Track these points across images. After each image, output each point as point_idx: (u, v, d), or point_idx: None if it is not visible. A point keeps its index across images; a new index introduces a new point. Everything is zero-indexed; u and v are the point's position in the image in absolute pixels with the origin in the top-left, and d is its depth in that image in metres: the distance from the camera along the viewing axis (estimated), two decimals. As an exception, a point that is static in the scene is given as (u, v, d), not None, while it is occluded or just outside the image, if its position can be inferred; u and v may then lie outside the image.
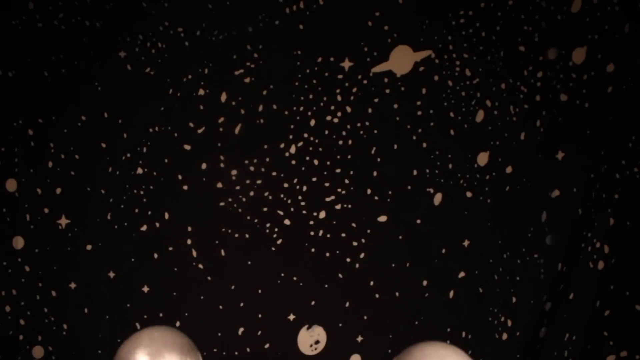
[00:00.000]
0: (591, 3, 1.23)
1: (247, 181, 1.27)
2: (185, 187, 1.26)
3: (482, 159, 1.31)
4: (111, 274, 1.30)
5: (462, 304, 1.36)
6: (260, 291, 1.32)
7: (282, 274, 1.32)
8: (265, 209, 1.28)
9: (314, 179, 1.28)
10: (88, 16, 1.20)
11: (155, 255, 1.29)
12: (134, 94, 1.25)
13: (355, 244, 1.31)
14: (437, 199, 1.31)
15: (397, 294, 1.34)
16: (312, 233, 1.30)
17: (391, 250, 1.32)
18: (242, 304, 1.32)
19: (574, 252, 1.32)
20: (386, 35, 1.22)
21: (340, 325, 1.34)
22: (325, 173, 1.28)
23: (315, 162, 1.28)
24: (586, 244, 1.30)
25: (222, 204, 1.28)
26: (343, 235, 1.31)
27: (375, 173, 1.29)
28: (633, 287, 1.29)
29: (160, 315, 1.31)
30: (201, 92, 1.23)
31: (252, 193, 1.28)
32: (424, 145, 1.29)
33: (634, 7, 1.22)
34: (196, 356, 0.85)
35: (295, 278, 1.32)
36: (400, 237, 1.32)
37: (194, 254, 1.29)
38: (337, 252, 1.32)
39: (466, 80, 1.27)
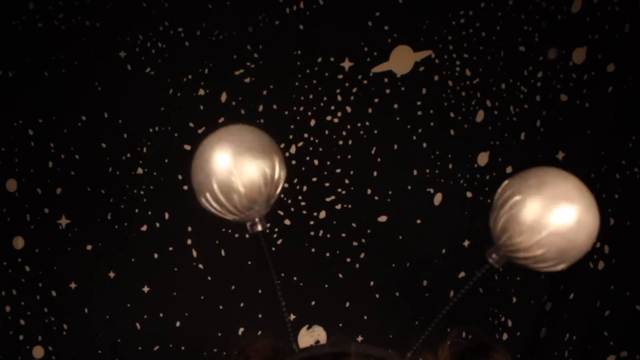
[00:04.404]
0: (591, 3, 1.23)
1: (247, 181, 1.27)
2: (185, 187, 1.26)
3: (482, 159, 1.31)
4: (111, 274, 1.30)
5: (462, 304, 1.36)
6: (260, 291, 1.32)
7: (282, 274, 1.32)
8: (265, 209, 1.28)
9: (314, 179, 1.28)
10: (88, 16, 1.20)
11: (155, 255, 1.29)
12: (134, 94, 1.25)
13: (355, 244, 1.31)
14: (437, 199, 1.31)
15: (397, 294, 1.34)
16: (312, 233, 1.30)
17: (391, 250, 1.32)
18: (242, 304, 1.32)
19: (574, 252, 1.31)
20: (386, 35, 1.22)
21: (340, 325, 1.34)
22: (325, 173, 1.28)
23: (315, 162, 1.28)
24: (586, 244, 1.30)
25: (222, 204, 1.27)
26: (343, 235, 1.31)
27: (375, 173, 1.29)
28: (633, 287, 1.29)
29: (160, 315, 1.31)
30: (201, 92, 1.23)
31: (252, 193, 1.27)
32: (424, 145, 1.29)
33: (634, 7, 1.22)
34: (284, 168, 0.78)
35: (295, 278, 1.32)
36: (400, 237, 1.32)
37: (194, 254, 1.29)
38: (337, 252, 1.32)
39: (466, 80, 1.27)
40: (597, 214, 0.67)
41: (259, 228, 0.79)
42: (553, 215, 0.66)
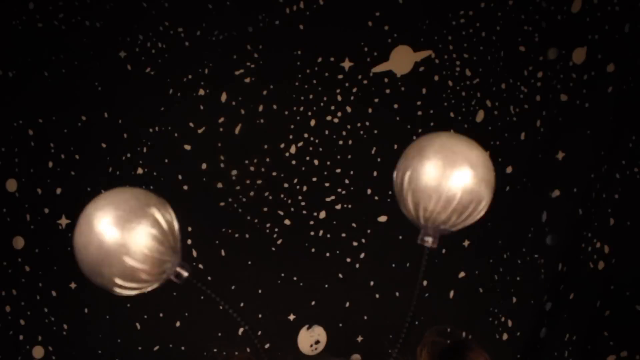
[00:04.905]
0: (591, 3, 1.23)
1: (247, 181, 1.27)
2: (185, 187, 1.26)
3: (482, 159, 1.31)
4: (111, 274, 1.30)
5: (462, 304, 1.36)
6: (260, 291, 1.32)
7: (282, 274, 1.32)
8: (265, 209, 1.28)
9: (314, 179, 1.28)
10: (88, 16, 1.20)
11: (156, 255, 1.29)
12: (134, 94, 1.24)
13: (355, 244, 1.32)
14: (437, 199, 1.31)
15: (397, 294, 1.34)
16: (312, 233, 1.30)
17: (391, 250, 1.32)
18: (242, 304, 1.32)
19: (574, 252, 1.32)
20: (386, 35, 1.22)
21: (340, 325, 1.34)
22: (325, 173, 1.28)
23: (315, 162, 1.28)
24: (586, 244, 1.30)
25: (222, 204, 1.27)
26: (343, 235, 1.31)
27: (375, 173, 1.29)
28: (633, 287, 1.29)
29: (160, 315, 1.31)
30: (201, 92, 1.23)
31: (252, 193, 1.28)
32: (424, 145, 1.29)
33: (634, 7, 1.22)
34: (166, 208, 0.72)
35: (295, 278, 1.32)
36: (400, 237, 1.32)
37: (194, 254, 1.29)
38: (337, 252, 1.32)
39: (466, 80, 1.27)
40: (477, 146, 0.73)
41: (185, 274, 0.75)
42: (446, 166, 0.71)
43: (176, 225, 0.76)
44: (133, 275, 0.69)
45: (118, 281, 0.70)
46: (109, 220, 0.69)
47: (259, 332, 1.33)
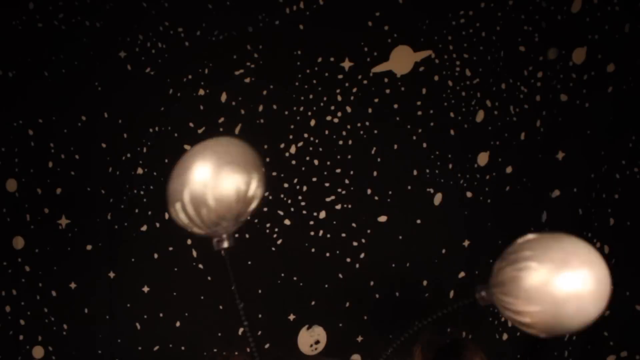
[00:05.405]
0: (591, 3, 1.23)
1: (247, 181, 1.27)
2: (185, 187, 1.26)
3: (482, 159, 1.31)
4: (111, 274, 1.30)
5: (463, 304, 1.36)
6: (260, 291, 1.32)
7: (282, 274, 1.32)
8: (265, 209, 1.28)
9: (314, 179, 1.28)
10: (88, 16, 1.20)
11: (155, 255, 1.29)
12: (134, 94, 1.24)
13: (355, 244, 1.32)
14: (437, 199, 1.31)
15: (397, 294, 1.34)
16: (312, 233, 1.30)
17: (391, 250, 1.32)
18: (242, 304, 1.32)
19: (574, 252, 1.31)
20: (386, 35, 1.22)
21: (340, 325, 1.34)
22: (325, 173, 1.28)
23: (315, 162, 1.28)
24: (586, 244, 1.30)
25: (222, 204, 1.27)
26: (343, 235, 1.31)
27: (375, 173, 1.29)
28: (633, 287, 1.29)
29: (161, 315, 1.31)
30: (201, 92, 1.23)
31: (252, 193, 1.27)
32: (424, 145, 1.29)
33: (634, 7, 1.22)
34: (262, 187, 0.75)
35: (295, 278, 1.32)
36: (400, 237, 1.32)
37: (194, 254, 1.29)
38: (337, 252, 1.32)
39: (466, 80, 1.27)
40: (601, 308, 0.62)
41: (225, 245, 0.78)
42: (556, 296, 0.62)
43: (254, 205, 0.78)
44: (198, 204, 0.73)
45: (186, 197, 0.72)
46: (227, 155, 0.73)
47: (259, 332, 1.33)
